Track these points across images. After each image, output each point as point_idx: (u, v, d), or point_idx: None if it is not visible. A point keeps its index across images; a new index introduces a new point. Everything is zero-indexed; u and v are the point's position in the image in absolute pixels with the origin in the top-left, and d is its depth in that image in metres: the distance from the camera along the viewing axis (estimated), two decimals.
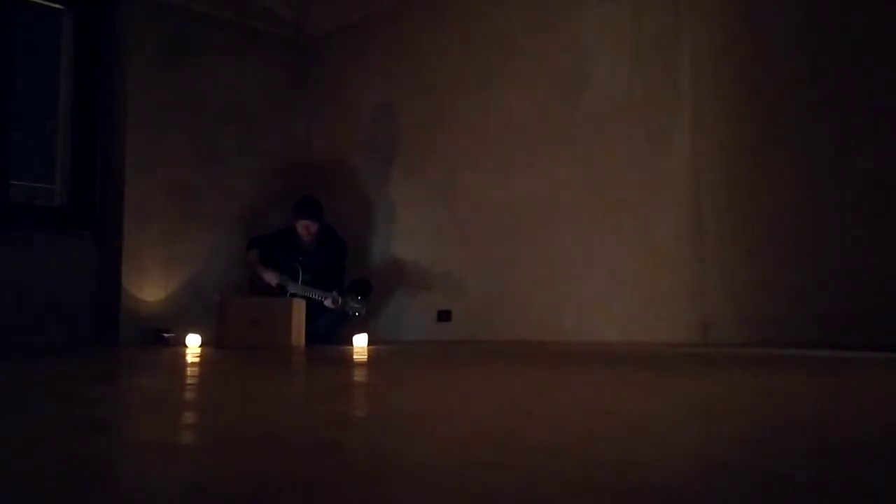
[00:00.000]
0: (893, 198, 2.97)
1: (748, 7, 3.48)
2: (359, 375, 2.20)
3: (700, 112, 3.56)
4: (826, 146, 3.15)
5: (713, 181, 3.50)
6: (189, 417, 1.26)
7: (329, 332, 4.43)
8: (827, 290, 3.10)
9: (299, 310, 4.09)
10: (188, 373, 2.31)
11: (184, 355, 3.21)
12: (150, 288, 4.75)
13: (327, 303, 4.32)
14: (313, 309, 4.24)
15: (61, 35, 4.94)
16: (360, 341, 4.05)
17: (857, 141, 3.07)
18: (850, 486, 0.70)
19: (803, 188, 3.21)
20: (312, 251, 4.62)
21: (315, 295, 4.36)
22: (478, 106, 4.50)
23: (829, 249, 3.11)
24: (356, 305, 4.32)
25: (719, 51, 3.53)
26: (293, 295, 4.39)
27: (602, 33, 3.95)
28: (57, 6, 4.91)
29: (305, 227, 4.57)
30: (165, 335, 4.43)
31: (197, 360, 2.94)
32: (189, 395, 1.63)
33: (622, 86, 3.84)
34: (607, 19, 3.94)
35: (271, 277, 4.51)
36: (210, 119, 5.09)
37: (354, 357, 3.07)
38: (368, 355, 3.18)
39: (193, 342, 4.03)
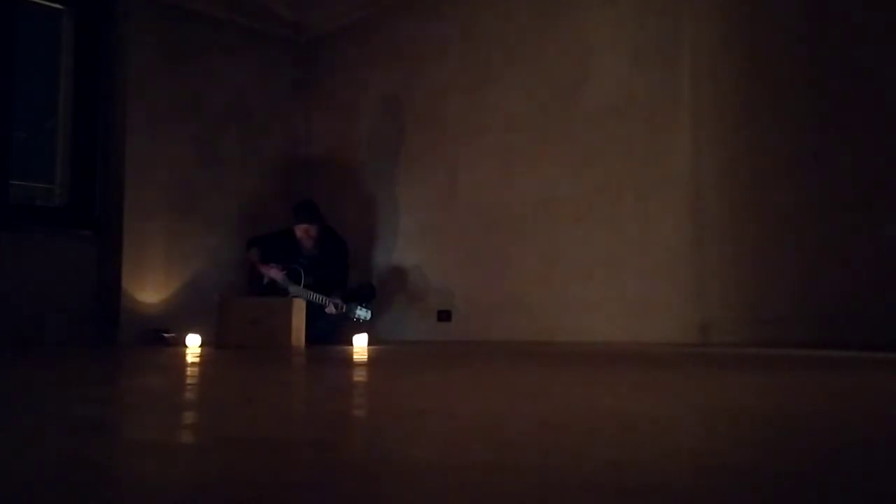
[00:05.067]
0: (894, 198, 2.97)
1: (748, 6, 3.48)
2: (359, 375, 2.20)
3: (700, 112, 3.56)
4: (826, 146, 3.15)
5: (713, 181, 3.50)
6: (189, 417, 1.26)
7: (329, 333, 4.42)
8: (827, 290, 3.10)
9: (299, 310, 4.09)
10: (188, 373, 2.31)
11: (184, 355, 3.21)
12: (150, 288, 4.75)
13: (328, 310, 4.31)
14: (314, 310, 4.23)
15: (61, 35, 4.94)
16: (361, 341, 4.05)
17: (858, 140, 3.07)
18: (850, 486, 0.70)
19: (803, 188, 3.21)
20: (314, 254, 4.60)
21: (317, 299, 4.34)
22: (478, 105, 4.50)
23: (829, 249, 3.11)
24: (361, 313, 4.33)
25: (719, 50, 3.53)
26: (295, 296, 4.39)
27: (602, 33, 3.95)
28: (57, 6, 4.91)
29: (305, 231, 4.54)
30: (165, 335, 4.42)
31: (197, 360, 2.94)
32: (189, 395, 1.63)
33: (622, 86, 3.84)
34: (607, 19, 3.94)
35: (275, 273, 4.47)
36: (210, 119, 5.09)
37: (354, 357, 3.07)
38: (368, 355, 3.18)
39: (193, 342, 4.03)
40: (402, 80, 4.97)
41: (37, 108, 6.74)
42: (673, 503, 0.64)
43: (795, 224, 3.23)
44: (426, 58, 4.84)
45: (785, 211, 3.26)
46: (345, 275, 4.58)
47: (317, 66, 5.60)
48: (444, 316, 4.54)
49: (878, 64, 3.04)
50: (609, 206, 3.84)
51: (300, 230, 4.54)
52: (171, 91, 4.92)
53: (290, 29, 5.59)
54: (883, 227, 2.98)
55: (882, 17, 3.06)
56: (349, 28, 5.37)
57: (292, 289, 4.45)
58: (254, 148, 5.31)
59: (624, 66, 3.84)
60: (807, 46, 3.25)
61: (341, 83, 5.41)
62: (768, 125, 3.35)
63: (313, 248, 4.59)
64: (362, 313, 4.33)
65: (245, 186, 5.24)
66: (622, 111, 3.82)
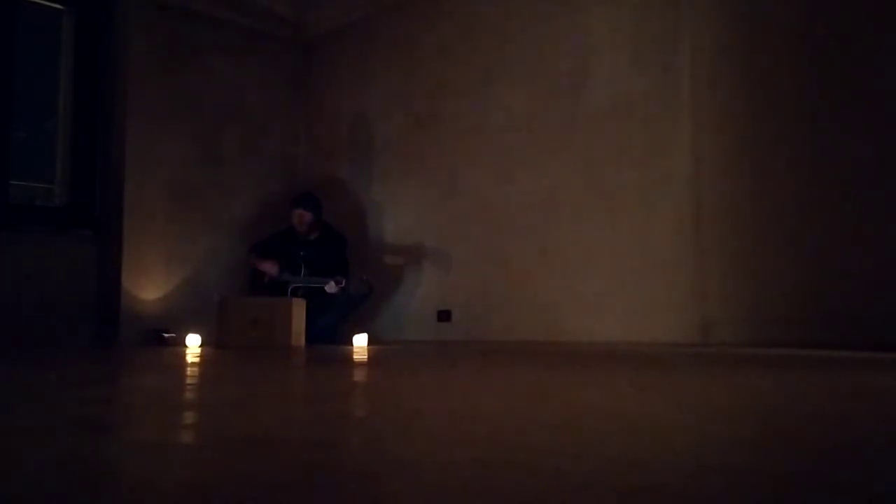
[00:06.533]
0: (893, 198, 2.97)
1: (748, 6, 3.48)
2: (359, 375, 2.20)
3: (700, 112, 3.56)
4: (826, 146, 3.15)
5: (713, 181, 3.50)
6: (189, 417, 1.26)
7: (329, 332, 4.43)
8: (827, 290, 3.10)
9: (299, 310, 4.09)
10: (188, 373, 2.31)
11: (184, 355, 3.21)
12: (150, 288, 4.75)
13: (329, 288, 4.30)
14: (314, 308, 4.24)
15: (61, 35, 4.94)
16: (360, 341, 4.05)
17: (857, 140, 3.07)
18: (849, 486, 0.70)
19: (803, 188, 3.21)
20: (313, 246, 4.63)
21: (316, 283, 4.36)
22: (478, 105, 4.50)
23: (829, 249, 3.11)
24: (358, 283, 4.31)
25: (719, 50, 3.53)
26: (295, 288, 4.40)
27: (602, 33, 3.95)
28: (57, 6, 4.91)
29: (299, 216, 4.61)
30: (165, 335, 4.42)
31: (197, 360, 2.94)
32: (189, 395, 1.63)
33: (622, 86, 3.84)
34: (607, 19, 3.94)
35: (271, 268, 4.52)
36: (210, 119, 5.09)
37: (354, 357, 3.07)
38: (368, 355, 3.18)
39: (193, 342, 4.03)
40: (402, 79, 4.97)
41: (37, 108, 6.74)
42: (673, 503, 0.64)
43: (795, 224, 3.23)
44: (426, 57, 4.84)
45: (785, 211, 3.26)
46: (345, 268, 4.59)
47: (316, 66, 5.60)
48: (444, 316, 4.54)
49: (878, 64, 3.04)
50: (609, 206, 3.84)
51: (295, 216, 4.61)
52: (171, 91, 4.91)
53: (290, 29, 5.59)
54: (883, 227, 2.98)
55: (881, 16, 3.06)
56: (349, 28, 5.37)
57: (292, 280, 4.48)
58: (254, 148, 5.31)
59: (624, 66, 3.84)
60: (806, 46, 3.25)
61: (341, 83, 5.40)
62: (768, 125, 3.35)
63: (308, 234, 4.63)
64: (359, 283, 4.30)
65: (245, 186, 5.24)
66: (622, 111, 3.82)
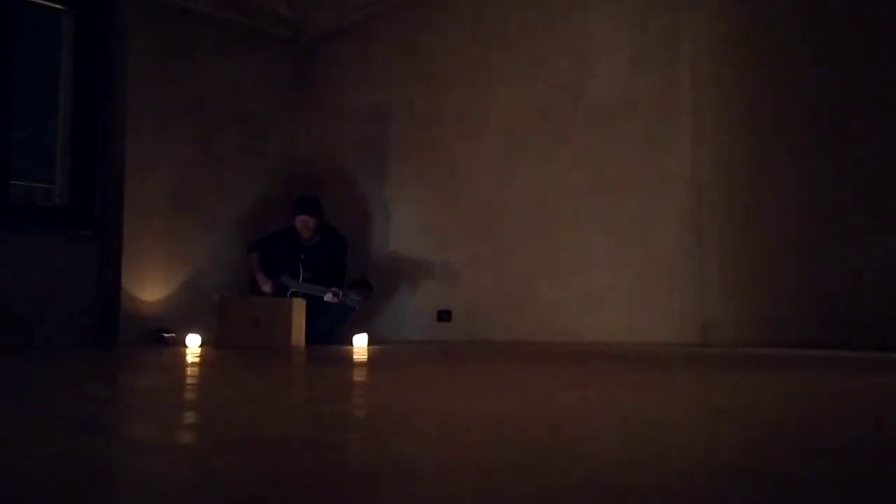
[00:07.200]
0: (893, 198, 2.97)
1: (748, 7, 3.48)
2: (359, 375, 2.20)
3: (700, 112, 3.56)
4: (826, 146, 3.15)
5: (713, 181, 3.50)
6: (189, 417, 1.26)
7: (329, 333, 4.43)
8: (827, 290, 3.10)
9: (299, 310, 4.09)
10: (188, 373, 2.31)
11: (184, 355, 3.21)
12: (150, 288, 4.75)
13: (327, 297, 4.31)
14: (314, 309, 4.24)
15: (61, 35, 4.94)
16: (360, 341, 4.05)
17: (856, 141, 3.07)
18: (849, 486, 0.70)
19: (803, 188, 3.21)
20: (313, 249, 4.62)
21: (315, 291, 4.36)
22: (478, 106, 4.50)
23: (829, 250, 3.11)
24: (355, 298, 4.31)
25: (719, 51, 3.53)
26: (294, 293, 4.40)
27: (602, 33, 3.95)
28: (57, 6, 4.91)
29: (303, 223, 4.59)
30: (165, 335, 4.42)
31: (197, 360, 2.94)
32: (189, 395, 1.63)
33: (622, 86, 3.84)
34: (607, 19, 3.94)
35: (266, 286, 4.52)
36: (210, 119, 5.09)
37: (354, 357, 3.07)
38: (368, 355, 3.18)
39: (193, 342, 4.03)
40: (402, 80, 4.97)
41: (37, 108, 6.74)
42: (672, 503, 0.64)
43: (795, 224, 3.23)
44: (426, 58, 4.84)
45: (785, 211, 3.26)
46: (342, 272, 4.59)
47: (316, 65, 5.60)
48: (444, 316, 4.55)
49: (879, 64, 3.04)
50: (609, 206, 3.84)
51: (299, 221, 4.60)
52: (170, 91, 4.92)
53: (289, 29, 5.59)
54: (883, 227, 2.98)
55: (882, 17, 3.06)
56: (349, 28, 5.38)
57: (291, 284, 4.47)
58: (253, 148, 5.31)
59: (624, 65, 3.84)
60: (807, 46, 3.25)
61: (341, 83, 5.41)
62: (768, 125, 3.35)
63: (311, 239, 4.62)
64: (356, 298, 4.32)
65: (245, 186, 5.24)
66: (622, 111, 3.83)
